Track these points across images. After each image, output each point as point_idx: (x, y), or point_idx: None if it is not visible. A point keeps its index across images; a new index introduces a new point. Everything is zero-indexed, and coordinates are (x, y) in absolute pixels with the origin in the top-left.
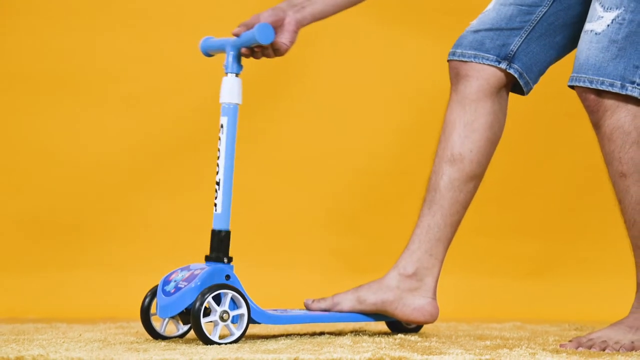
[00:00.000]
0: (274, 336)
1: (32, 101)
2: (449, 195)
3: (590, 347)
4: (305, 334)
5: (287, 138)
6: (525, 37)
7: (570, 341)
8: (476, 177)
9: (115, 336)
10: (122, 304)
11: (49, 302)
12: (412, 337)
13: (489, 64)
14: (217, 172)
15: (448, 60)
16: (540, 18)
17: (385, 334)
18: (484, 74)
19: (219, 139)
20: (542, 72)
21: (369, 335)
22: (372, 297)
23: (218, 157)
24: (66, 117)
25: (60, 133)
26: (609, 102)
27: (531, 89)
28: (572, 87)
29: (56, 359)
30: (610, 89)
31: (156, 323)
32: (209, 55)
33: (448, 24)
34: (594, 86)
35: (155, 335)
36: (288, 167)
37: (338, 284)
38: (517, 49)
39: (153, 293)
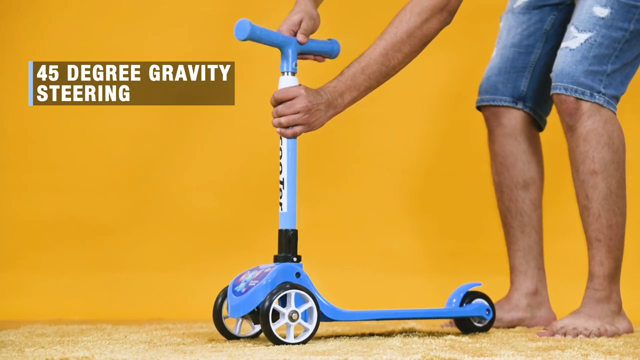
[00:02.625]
0: (323, 337)
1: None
2: (535, 214)
3: (564, 335)
4: (354, 335)
5: (338, 141)
6: (530, 77)
7: (544, 329)
8: (542, 189)
9: (161, 338)
10: (167, 305)
11: (94, 303)
12: (463, 339)
13: (507, 105)
14: (281, 172)
15: (477, 108)
16: (538, 58)
17: (436, 334)
18: (507, 115)
19: (281, 139)
20: (551, 105)
21: (419, 337)
22: (507, 316)
23: (280, 157)
24: (117, 117)
25: (111, 133)
26: (586, 108)
27: (545, 122)
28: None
29: None
30: (582, 96)
31: (230, 325)
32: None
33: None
34: (568, 93)
35: (228, 335)
36: (335, 168)
37: (389, 284)
38: (527, 89)
39: (225, 294)
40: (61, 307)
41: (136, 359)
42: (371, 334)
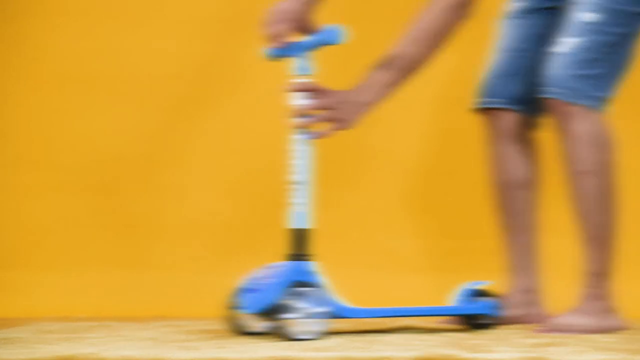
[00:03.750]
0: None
1: (89, 101)
2: (530, 214)
3: (560, 332)
4: (354, 332)
5: (339, 142)
6: (526, 80)
7: (540, 326)
8: (538, 189)
9: (166, 335)
10: (176, 303)
11: (100, 301)
12: (461, 335)
13: (503, 108)
14: (295, 172)
15: (474, 110)
16: (534, 61)
17: (435, 331)
18: (504, 117)
19: (296, 140)
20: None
21: (418, 333)
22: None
23: (296, 157)
24: (129, 117)
25: (121, 133)
26: (575, 110)
27: (539, 124)
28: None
29: (108, 357)
30: (571, 100)
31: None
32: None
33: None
34: (558, 97)
35: (240, 332)
36: (336, 169)
37: (389, 283)
38: (522, 92)
39: (238, 291)
40: (68, 305)
41: (142, 355)
42: (371, 331)
